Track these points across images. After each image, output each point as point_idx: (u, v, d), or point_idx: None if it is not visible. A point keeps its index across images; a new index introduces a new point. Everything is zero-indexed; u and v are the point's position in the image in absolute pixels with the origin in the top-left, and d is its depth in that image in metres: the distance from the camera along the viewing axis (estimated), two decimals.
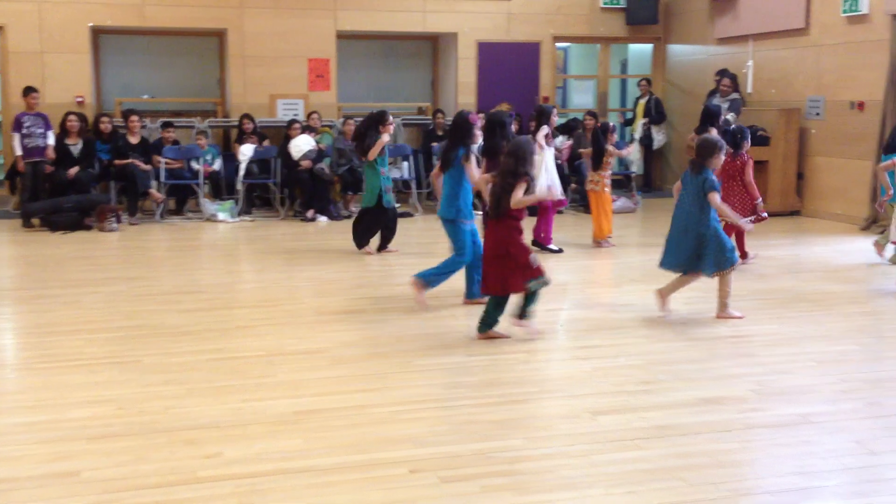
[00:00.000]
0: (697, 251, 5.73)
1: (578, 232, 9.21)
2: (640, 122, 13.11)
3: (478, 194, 6.37)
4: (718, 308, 5.91)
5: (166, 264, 8.15)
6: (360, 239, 8.30)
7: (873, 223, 9.52)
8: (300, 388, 4.52)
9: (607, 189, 8.72)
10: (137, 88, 12.33)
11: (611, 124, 9.12)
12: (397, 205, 9.06)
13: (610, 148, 8.64)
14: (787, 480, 3.47)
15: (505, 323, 5.38)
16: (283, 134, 10.99)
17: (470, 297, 6.21)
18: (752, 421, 4.09)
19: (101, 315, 6.05)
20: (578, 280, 7.54)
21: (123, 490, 3.34)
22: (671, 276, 5.95)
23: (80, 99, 11.25)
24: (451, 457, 3.64)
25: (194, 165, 10.73)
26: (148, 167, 10.38)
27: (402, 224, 8.82)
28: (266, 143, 11.16)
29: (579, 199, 11.08)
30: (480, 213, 7.31)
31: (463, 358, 5.12)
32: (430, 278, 6.09)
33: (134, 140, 10.62)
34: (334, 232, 9.74)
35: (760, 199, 7.53)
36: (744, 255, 7.48)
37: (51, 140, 10.09)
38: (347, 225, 10.16)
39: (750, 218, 7.32)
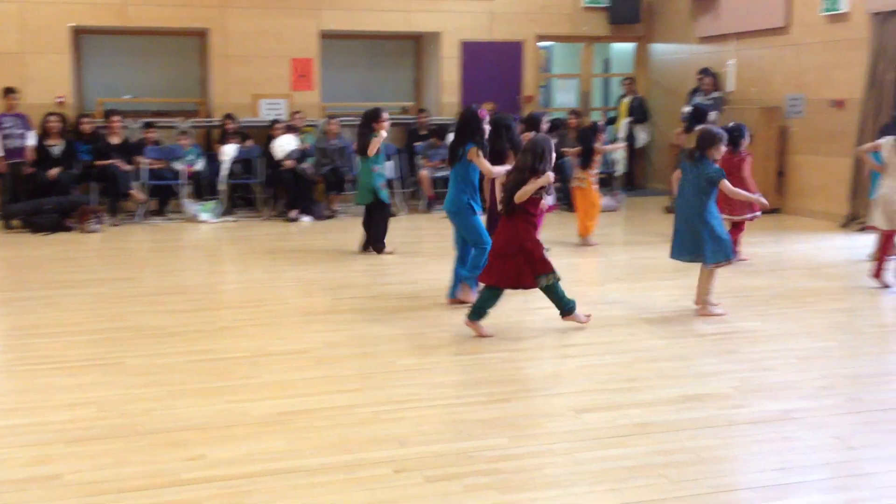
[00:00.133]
0: (699, 241, 5.79)
1: (563, 230, 9.24)
2: (624, 121, 13.16)
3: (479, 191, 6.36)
4: (698, 303, 5.94)
5: (149, 265, 8.10)
6: (377, 243, 8.21)
7: (853, 220, 9.60)
8: (285, 389, 4.52)
9: (595, 186, 8.78)
10: (119, 88, 12.22)
11: (599, 124, 9.19)
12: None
13: (600, 146, 8.72)
14: (768, 476, 3.50)
15: (489, 321, 5.40)
16: (266, 134, 10.95)
17: (453, 296, 6.22)
18: (734, 417, 4.12)
19: (82, 317, 6.02)
20: (564, 278, 7.52)
21: (106, 493, 3.32)
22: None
23: (60, 99, 11.15)
24: (436, 456, 3.65)
25: (176, 166, 10.67)
26: (129, 168, 10.32)
27: None
28: (249, 143, 11.12)
29: (563, 198, 11.09)
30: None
31: (447, 357, 5.13)
32: (468, 279, 6.06)
33: (115, 140, 10.55)
34: (317, 232, 9.72)
35: (760, 193, 7.60)
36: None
37: (31, 141, 10.00)
38: (330, 225, 10.19)
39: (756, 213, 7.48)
